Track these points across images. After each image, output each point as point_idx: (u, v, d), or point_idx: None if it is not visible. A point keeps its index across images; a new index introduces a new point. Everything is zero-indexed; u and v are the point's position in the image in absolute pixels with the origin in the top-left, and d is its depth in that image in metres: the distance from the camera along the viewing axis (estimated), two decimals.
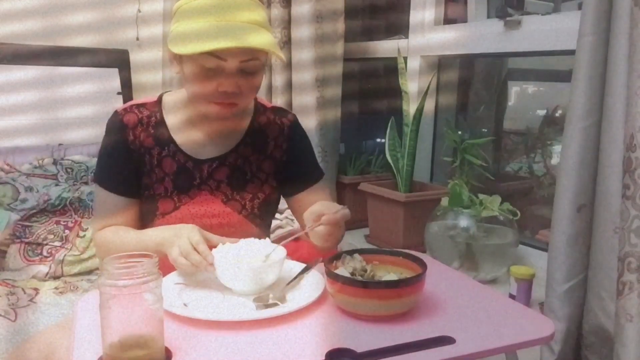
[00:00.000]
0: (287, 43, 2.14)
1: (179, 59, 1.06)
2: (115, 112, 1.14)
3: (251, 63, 1.02)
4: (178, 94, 1.17)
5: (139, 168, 1.13)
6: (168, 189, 1.13)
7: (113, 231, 1.12)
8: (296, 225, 1.94)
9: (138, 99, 1.21)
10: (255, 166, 1.18)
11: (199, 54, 0.98)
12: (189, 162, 1.14)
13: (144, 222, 1.16)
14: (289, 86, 2.19)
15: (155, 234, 1.04)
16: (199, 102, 1.07)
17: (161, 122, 1.14)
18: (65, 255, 1.74)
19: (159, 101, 1.17)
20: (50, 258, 1.72)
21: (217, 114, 1.07)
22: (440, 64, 2.10)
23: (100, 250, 1.15)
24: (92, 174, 1.93)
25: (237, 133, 1.18)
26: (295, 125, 1.23)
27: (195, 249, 0.94)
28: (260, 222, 1.19)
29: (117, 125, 1.12)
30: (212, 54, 0.98)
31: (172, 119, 1.15)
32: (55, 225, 1.79)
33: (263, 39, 1.00)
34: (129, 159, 1.12)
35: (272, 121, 1.21)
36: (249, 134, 1.18)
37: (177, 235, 0.98)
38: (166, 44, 1.07)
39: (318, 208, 0.98)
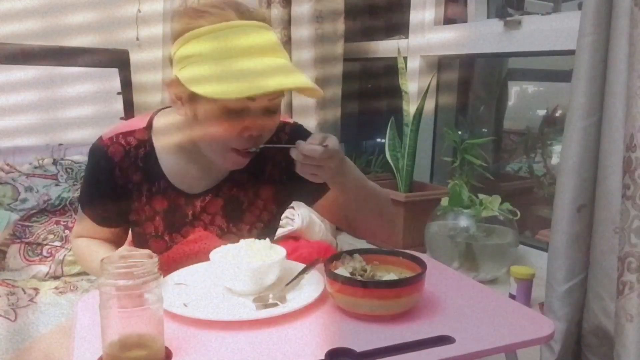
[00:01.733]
0: (287, 43, 2.14)
1: (191, 100, 0.93)
2: (101, 140, 1.04)
3: (276, 101, 0.95)
4: (171, 122, 1.05)
5: (125, 203, 1.05)
6: (159, 228, 1.06)
7: (87, 245, 1.09)
8: (296, 225, 1.94)
9: (126, 124, 1.07)
10: (252, 193, 1.09)
11: None
12: (180, 199, 1.05)
13: None
14: None
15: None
16: (215, 148, 0.97)
17: (151, 155, 1.04)
18: (65, 255, 1.74)
19: (149, 127, 1.05)
20: (50, 258, 1.72)
21: (235, 163, 0.98)
22: (440, 64, 2.10)
23: (75, 254, 1.15)
24: None
25: None
26: (293, 137, 1.07)
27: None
28: None
29: (102, 157, 1.03)
30: None
31: (164, 152, 1.05)
32: (55, 225, 1.79)
33: (307, 78, 0.93)
34: (112, 195, 1.04)
35: (268, 140, 1.11)
36: None
37: None
38: (171, 84, 0.96)
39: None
